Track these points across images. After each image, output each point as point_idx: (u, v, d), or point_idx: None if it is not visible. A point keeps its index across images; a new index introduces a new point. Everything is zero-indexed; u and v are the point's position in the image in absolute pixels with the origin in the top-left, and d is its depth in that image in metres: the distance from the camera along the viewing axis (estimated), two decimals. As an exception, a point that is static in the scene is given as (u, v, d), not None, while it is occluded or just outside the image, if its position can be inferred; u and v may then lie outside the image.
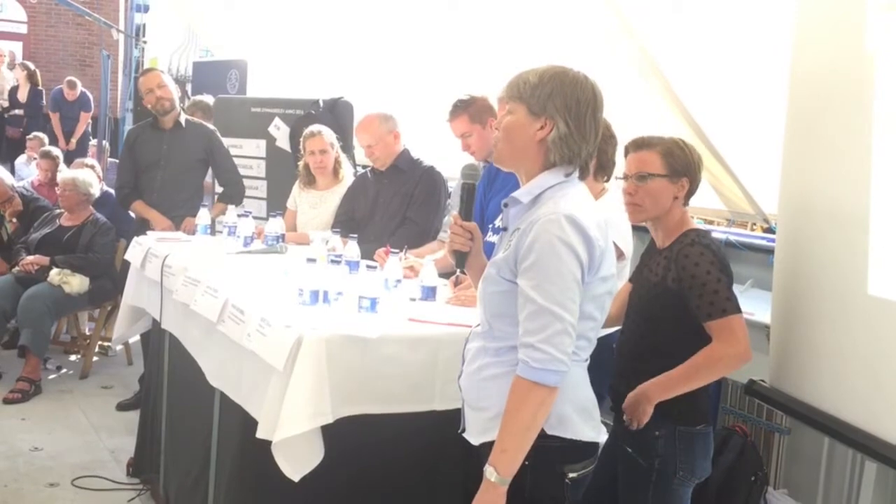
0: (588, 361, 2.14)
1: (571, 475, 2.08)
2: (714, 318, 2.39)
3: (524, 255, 1.98)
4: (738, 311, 2.40)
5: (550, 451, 2.04)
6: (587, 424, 2.10)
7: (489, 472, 1.98)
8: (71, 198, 5.76)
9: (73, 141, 10.76)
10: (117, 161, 9.90)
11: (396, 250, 3.33)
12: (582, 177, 2.10)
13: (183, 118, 5.07)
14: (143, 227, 4.84)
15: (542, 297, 1.94)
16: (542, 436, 2.02)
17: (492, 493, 1.98)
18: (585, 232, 1.96)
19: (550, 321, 1.94)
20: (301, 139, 4.59)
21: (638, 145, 2.54)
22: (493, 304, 2.08)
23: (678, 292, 2.43)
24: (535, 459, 2.03)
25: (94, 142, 10.29)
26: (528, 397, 1.95)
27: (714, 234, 2.62)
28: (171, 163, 4.98)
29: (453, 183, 4.30)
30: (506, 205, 2.11)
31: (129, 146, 5.12)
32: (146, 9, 10.68)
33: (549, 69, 2.06)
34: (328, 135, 4.52)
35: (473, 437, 2.14)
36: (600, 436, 2.15)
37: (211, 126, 5.26)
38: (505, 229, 2.14)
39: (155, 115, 5.02)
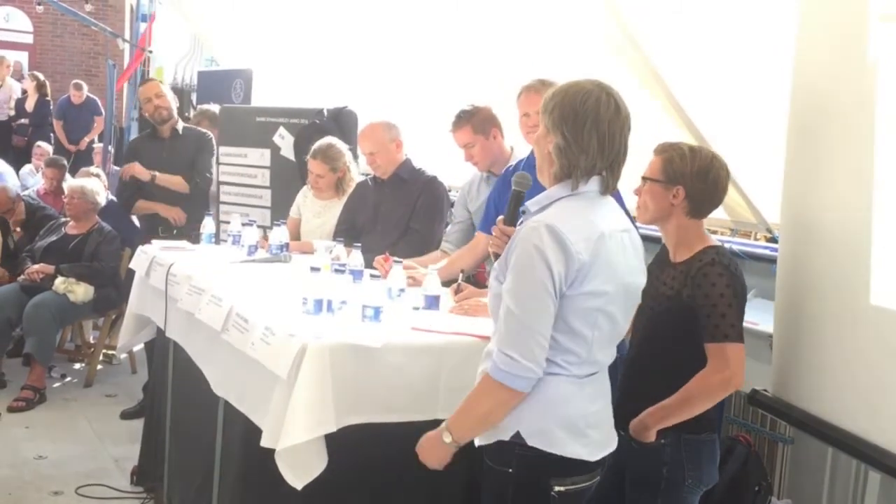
0: (589, 377, 2.13)
1: (558, 489, 2.08)
2: (715, 340, 2.39)
3: (508, 260, 2.04)
4: (739, 339, 2.40)
5: (532, 462, 2.07)
6: (577, 442, 2.08)
7: (446, 435, 2.09)
8: (79, 206, 5.78)
9: (86, 140, 10.71)
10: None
11: (399, 259, 3.34)
12: (603, 190, 2.10)
13: (180, 126, 5.17)
14: (153, 224, 4.92)
15: (512, 302, 2.00)
16: (523, 445, 2.06)
17: (444, 450, 2.11)
18: (564, 244, 1.97)
19: (517, 328, 1.98)
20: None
21: (654, 150, 2.58)
22: (494, 310, 2.12)
23: (692, 308, 2.43)
24: (518, 468, 2.07)
25: (98, 145, 10.30)
26: (489, 394, 2.04)
27: (720, 242, 2.61)
28: (170, 170, 5.10)
29: (455, 193, 4.31)
30: (524, 212, 2.19)
31: (131, 156, 5.23)
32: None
33: (563, 84, 2.12)
34: (330, 158, 4.45)
35: (478, 438, 2.16)
36: (596, 454, 2.14)
37: (208, 133, 5.31)
38: None
39: (153, 125, 5.12)
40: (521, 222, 2.20)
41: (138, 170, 5.08)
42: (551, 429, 2.06)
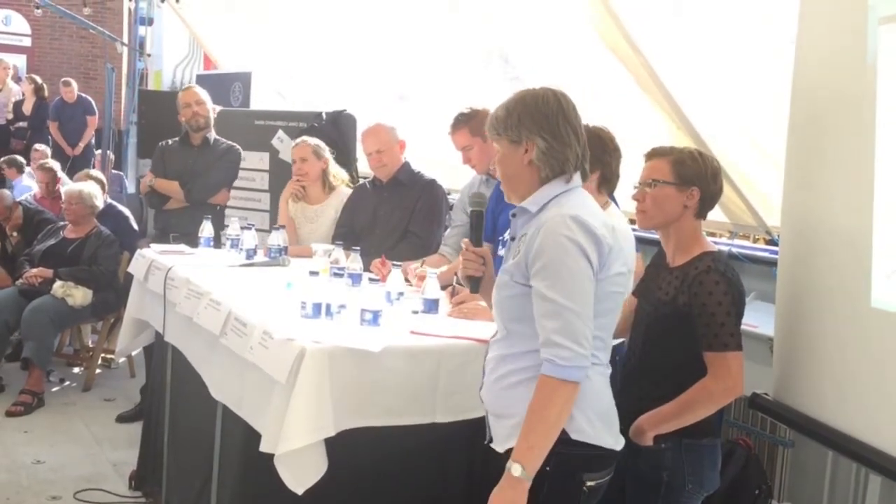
0: (609, 368, 2.18)
1: (589, 483, 2.11)
2: (714, 349, 2.39)
3: (535, 258, 2.05)
4: (739, 347, 2.40)
5: (572, 458, 2.08)
6: (608, 432, 2.14)
7: (516, 468, 2.00)
8: (77, 211, 5.76)
9: (81, 145, 10.67)
10: (121, 173, 9.95)
11: (399, 263, 3.33)
12: (584, 179, 2.18)
13: (212, 136, 5.15)
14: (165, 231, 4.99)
15: (559, 295, 2.00)
16: (568, 442, 2.05)
17: (516, 489, 2.01)
18: (592, 231, 2.03)
19: (571, 318, 2.00)
20: None
21: (652, 154, 2.56)
22: (509, 309, 2.13)
23: (688, 315, 2.42)
24: (557, 466, 2.06)
25: (98, 152, 10.29)
26: (555, 395, 2.00)
27: (717, 247, 2.60)
28: (195, 178, 5.08)
29: (454, 196, 4.31)
30: (514, 215, 2.20)
31: (157, 161, 5.21)
32: (150, 22, 10.70)
33: (511, 99, 2.18)
34: (311, 143, 4.51)
35: (499, 444, 2.16)
36: (620, 444, 2.18)
37: (236, 147, 5.26)
38: (513, 239, 2.19)
39: (187, 131, 5.12)
40: (511, 225, 2.21)
41: (144, 182, 5.18)
42: (592, 420, 2.10)
